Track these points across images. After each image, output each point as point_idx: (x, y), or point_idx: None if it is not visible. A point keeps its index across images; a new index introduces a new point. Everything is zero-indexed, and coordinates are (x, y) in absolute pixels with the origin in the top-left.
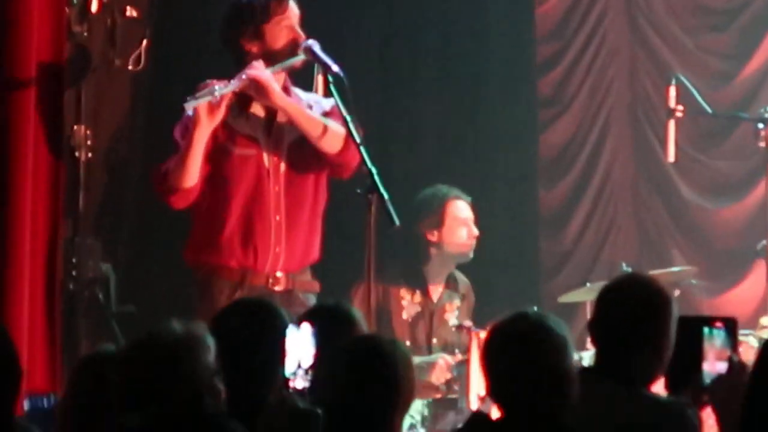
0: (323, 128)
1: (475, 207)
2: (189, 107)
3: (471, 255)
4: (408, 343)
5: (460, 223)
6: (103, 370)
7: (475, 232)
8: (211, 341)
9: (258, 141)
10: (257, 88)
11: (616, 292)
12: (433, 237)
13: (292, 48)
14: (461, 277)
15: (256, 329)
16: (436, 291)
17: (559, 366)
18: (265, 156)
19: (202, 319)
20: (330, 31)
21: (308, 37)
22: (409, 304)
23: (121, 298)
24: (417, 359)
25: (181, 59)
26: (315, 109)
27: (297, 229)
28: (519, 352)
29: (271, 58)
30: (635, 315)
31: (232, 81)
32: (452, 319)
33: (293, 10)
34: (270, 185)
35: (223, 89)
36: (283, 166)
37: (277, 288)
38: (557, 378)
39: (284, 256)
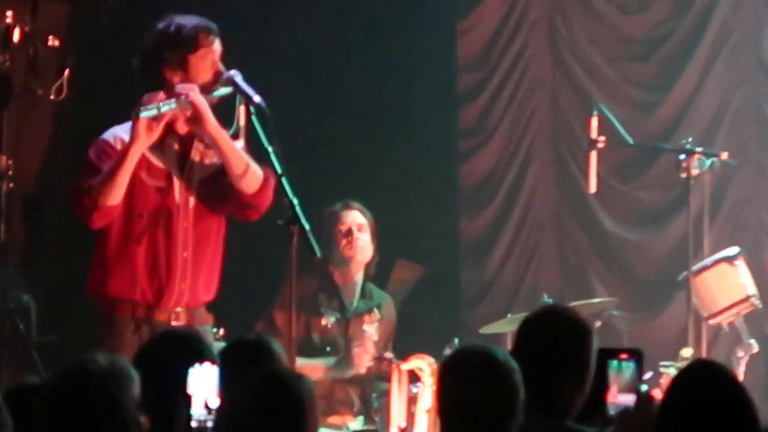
0: (246, 166)
1: (394, 244)
2: (143, 116)
3: (359, 257)
4: (328, 348)
5: (342, 230)
6: (27, 402)
7: (359, 236)
8: (135, 373)
9: (171, 174)
10: (193, 113)
11: (537, 323)
12: (326, 252)
13: (214, 80)
14: (378, 292)
15: (185, 360)
16: (351, 301)
17: (515, 395)
18: (176, 190)
19: (105, 353)
20: (253, 61)
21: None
22: (327, 310)
23: (42, 329)
24: (332, 359)
25: (102, 88)
26: (237, 143)
27: (201, 266)
28: (478, 384)
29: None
30: (556, 346)
31: (173, 100)
32: (370, 329)
33: (218, 46)
34: (179, 221)
35: (166, 106)
36: (192, 202)
37: (177, 323)
38: (513, 406)
39: (188, 293)
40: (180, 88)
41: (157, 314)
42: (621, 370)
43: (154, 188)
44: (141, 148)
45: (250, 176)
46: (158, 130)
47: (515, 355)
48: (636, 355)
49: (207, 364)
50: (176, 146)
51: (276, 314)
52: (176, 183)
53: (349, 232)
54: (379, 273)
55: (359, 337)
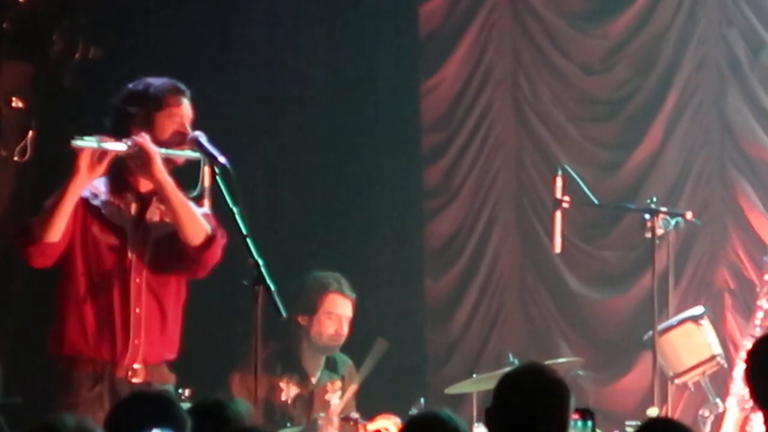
0: (192, 216)
1: (358, 303)
2: (75, 144)
3: (337, 350)
4: (288, 425)
5: (331, 317)
6: None
7: (345, 330)
8: None
9: (125, 231)
10: (141, 158)
11: (516, 381)
12: (303, 322)
13: (179, 141)
14: (342, 358)
15: (157, 423)
16: (315, 374)
17: None
18: (129, 248)
19: (62, 411)
20: (218, 127)
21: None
22: (287, 386)
23: (6, 391)
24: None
25: (66, 150)
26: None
27: (157, 323)
28: None
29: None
30: (535, 404)
31: (122, 142)
32: (334, 398)
33: (187, 108)
34: (132, 277)
35: (110, 145)
36: (147, 258)
37: (136, 380)
38: None
39: (143, 349)
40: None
41: (114, 370)
42: (577, 428)
43: (107, 245)
44: (81, 182)
45: (196, 227)
46: (101, 168)
47: (493, 413)
48: (586, 414)
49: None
50: (134, 204)
51: (233, 377)
52: (130, 240)
53: (337, 322)
54: None
55: (324, 408)
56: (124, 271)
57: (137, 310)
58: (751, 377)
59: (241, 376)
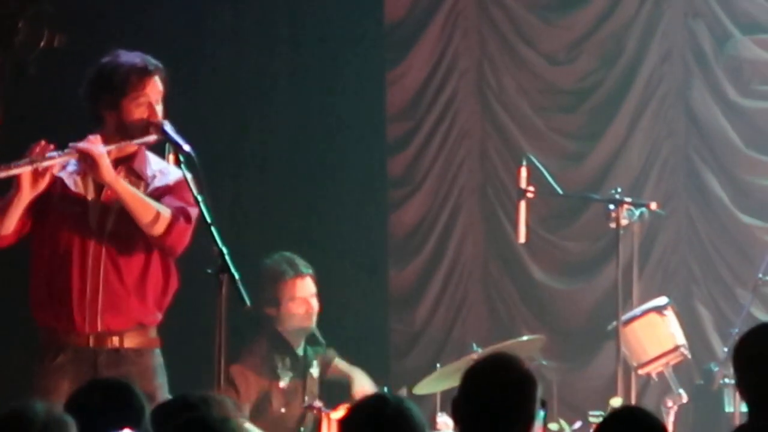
0: (147, 209)
1: (322, 292)
2: (4, 173)
3: (312, 326)
4: (283, 410)
5: (296, 301)
6: None
7: (314, 306)
8: (71, 420)
9: (86, 200)
10: (87, 161)
11: (483, 371)
12: (272, 313)
13: (145, 125)
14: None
15: (114, 409)
16: (302, 353)
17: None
18: (91, 216)
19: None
20: (183, 115)
21: (166, 115)
22: (282, 370)
23: None
24: None
25: (30, 138)
26: (158, 180)
27: (119, 290)
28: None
29: (124, 131)
30: (501, 396)
31: (64, 150)
32: (314, 370)
33: (155, 87)
34: (91, 246)
35: (47, 162)
36: (108, 227)
37: (97, 347)
38: None
39: (103, 316)
40: (85, 140)
41: (76, 340)
42: None
43: (68, 214)
44: (25, 199)
45: (153, 219)
46: (44, 182)
47: (459, 403)
48: (541, 405)
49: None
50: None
51: (233, 369)
52: (92, 209)
53: (305, 303)
54: None
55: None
56: (84, 240)
57: (95, 279)
58: (737, 368)
59: (241, 369)
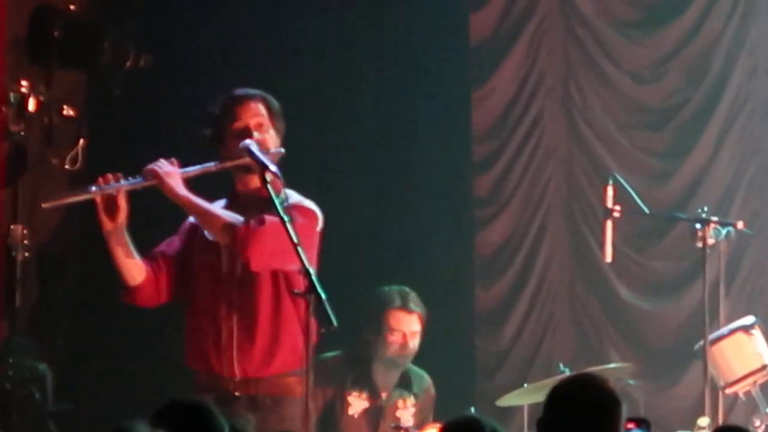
0: (212, 219)
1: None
2: (46, 205)
3: (404, 364)
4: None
5: (395, 334)
6: None
7: (412, 345)
8: None
9: (219, 246)
10: (154, 181)
11: (566, 393)
12: (371, 339)
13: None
14: (418, 374)
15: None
16: (387, 389)
17: None
18: (223, 261)
19: None
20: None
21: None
22: (355, 400)
23: (58, 397)
24: None
25: (116, 158)
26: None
27: (249, 335)
28: None
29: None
30: (586, 417)
31: (135, 178)
32: (405, 416)
33: (249, 111)
34: (224, 290)
35: (109, 188)
36: (238, 271)
37: (238, 393)
38: None
39: (239, 362)
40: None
41: (218, 383)
42: None
43: (204, 262)
44: (109, 230)
45: (222, 229)
46: (121, 211)
47: (544, 424)
48: (644, 425)
49: None
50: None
51: None
52: (223, 254)
53: (402, 337)
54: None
55: (392, 420)
56: (216, 286)
57: (228, 326)
58: None
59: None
